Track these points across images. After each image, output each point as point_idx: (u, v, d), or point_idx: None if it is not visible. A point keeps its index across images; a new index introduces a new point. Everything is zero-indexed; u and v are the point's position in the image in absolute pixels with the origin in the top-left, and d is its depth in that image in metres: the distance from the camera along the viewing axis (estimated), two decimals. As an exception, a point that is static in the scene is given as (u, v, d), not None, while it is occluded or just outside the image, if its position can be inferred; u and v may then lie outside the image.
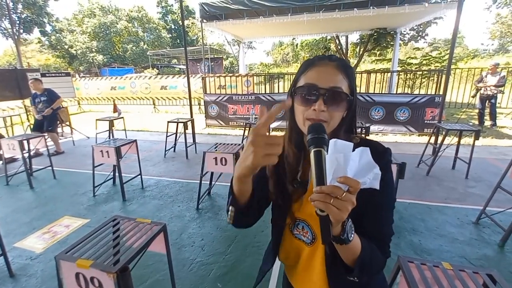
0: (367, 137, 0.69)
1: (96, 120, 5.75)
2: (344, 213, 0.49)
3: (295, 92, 0.69)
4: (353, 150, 0.54)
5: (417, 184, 3.49)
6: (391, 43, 10.08)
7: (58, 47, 27.75)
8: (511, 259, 2.07)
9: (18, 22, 21.93)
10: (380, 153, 0.66)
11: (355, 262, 0.59)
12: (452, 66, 4.94)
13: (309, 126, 0.61)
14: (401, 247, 2.24)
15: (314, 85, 0.65)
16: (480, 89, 6.50)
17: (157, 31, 33.43)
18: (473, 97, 6.95)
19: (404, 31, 12.24)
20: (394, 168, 2.27)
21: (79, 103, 12.06)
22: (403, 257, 1.13)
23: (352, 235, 0.55)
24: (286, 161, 0.75)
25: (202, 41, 11.10)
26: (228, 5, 6.66)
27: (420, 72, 9.51)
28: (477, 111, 6.88)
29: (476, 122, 6.82)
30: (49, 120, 4.99)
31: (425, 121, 5.88)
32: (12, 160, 4.68)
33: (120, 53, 30.99)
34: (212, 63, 16.93)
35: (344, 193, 0.48)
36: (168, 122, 4.91)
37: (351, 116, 0.71)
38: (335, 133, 0.69)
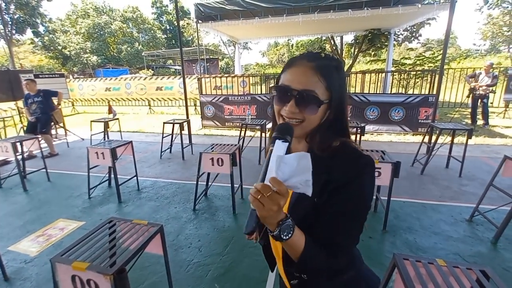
0: (357, 139, 0.74)
1: (91, 121, 5.70)
2: (266, 211, 0.52)
3: (273, 90, 0.70)
4: (326, 160, 0.63)
5: (412, 183, 3.53)
6: (385, 43, 10.18)
7: (52, 48, 27.43)
8: (504, 255, 2.10)
9: (10, 22, 21.65)
10: (352, 160, 0.65)
11: (297, 258, 0.62)
12: (445, 66, 5.02)
13: (278, 124, 0.66)
14: (397, 245, 2.26)
15: (287, 86, 0.65)
16: (473, 88, 6.59)
17: (152, 31, 33.25)
18: (468, 97, 7.04)
19: (398, 31, 12.38)
20: (389, 167, 2.30)
21: (73, 105, 11.93)
22: (398, 254, 1.14)
23: (289, 235, 0.57)
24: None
25: (198, 41, 11.09)
26: (223, 6, 6.67)
27: (414, 72, 9.62)
28: (470, 110, 6.98)
29: (469, 122, 6.92)
30: (43, 121, 4.93)
31: (419, 121, 5.95)
32: (5, 162, 4.61)
33: (115, 54, 30.74)
34: (208, 64, 16.89)
35: (270, 192, 0.50)
36: (164, 123, 4.89)
37: (337, 117, 0.68)
38: (313, 134, 0.69)
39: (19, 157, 3.73)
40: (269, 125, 0.88)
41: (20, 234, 2.60)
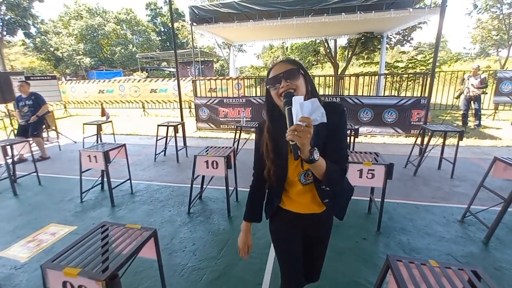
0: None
1: (84, 124, 5.63)
2: (304, 139, 0.80)
3: (267, 84, 1.05)
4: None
5: (405, 184, 3.57)
6: (378, 47, 10.34)
7: (43, 49, 27.04)
8: (495, 255, 2.14)
9: (1, 24, 21.29)
10: (336, 107, 1.02)
11: (323, 176, 0.94)
12: (436, 69, 5.11)
13: (283, 94, 0.96)
14: (391, 246, 2.28)
15: (276, 74, 1.01)
16: (463, 91, 6.74)
17: (146, 33, 33.09)
18: (456, 98, 7.18)
19: (391, 35, 12.57)
20: (382, 169, 2.32)
21: (65, 107, 11.76)
22: (392, 256, 1.15)
23: (317, 157, 0.86)
24: (272, 138, 1.08)
25: (192, 44, 11.06)
26: (218, 9, 6.68)
27: (406, 75, 9.76)
28: (461, 112, 7.11)
29: (460, 123, 7.04)
30: (34, 124, 4.84)
31: (412, 123, 6.03)
32: (-6, 166, 4.51)
33: (108, 55, 30.47)
34: (203, 66, 16.87)
35: (302, 127, 0.79)
36: (158, 125, 4.86)
37: (313, 88, 1.06)
38: (307, 97, 1.01)
39: (9, 160, 3.65)
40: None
41: (10, 239, 2.55)
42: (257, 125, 1.21)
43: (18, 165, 4.29)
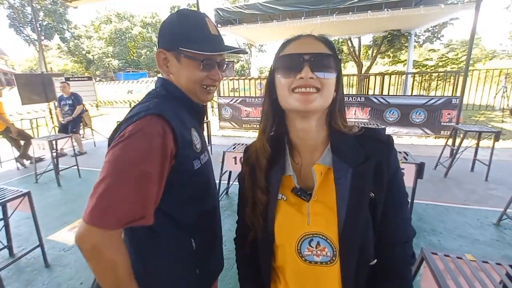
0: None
1: (117, 122, 5.97)
2: None
3: (277, 64, 0.60)
4: (356, 140, 0.59)
5: (435, 186, 3.47)
6: (405, 44, 9.98)
7: (76, 52, 28.87)
8: (535, 260, 2.05)
9: (39, 29, 23.06)
10: (387, 142, 0.60)
11: None
12: (470, 68, 4.87)
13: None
14: (421, 246, 2.24)
15: (297, 53, 0.57)
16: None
17: (170, 36, 34.14)
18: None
19: (419, 32, 12.08)
20: (413, 168, 2.30)
21: (97, 106, 12.52)
22: (426, 249, 1.17)
23: None
24: (257, 172, 0.65)
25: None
26: (242, 10, 6.82)
27: (436, 74, 9.35)
28: (496, 113, 6.71)
29: (495, 124, 6.65)
30: (73, 122, 5.25)
31: (442, 123, 5.79)
32: (40, 159, 4.94)
33: (135, 58, 31.87)
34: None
35: None
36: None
37: (341, 97, 0.63)
38: (331, 110, 0.62)
39: (54, 154, 3.99)
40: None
41: (58, 225, 2.81)
42: (246, 148, 0.74)
43: (59, 159, 4.67)
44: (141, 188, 0.60)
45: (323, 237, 0.57)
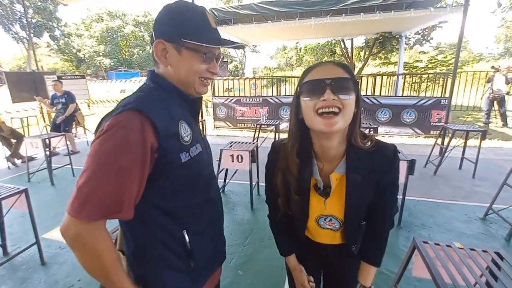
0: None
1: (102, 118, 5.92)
2: None
3: (301, 89, 0.72)
4: (368, 154, 0.77)
5: (425, 183, 3.59)
6: (396, 46, 10.20)
7: (67, 51, 28.33)
8: (518, 251, 2.16)
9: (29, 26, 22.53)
10: (392, 159, 0.78)
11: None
12: (458, 70, 5.03)
13: None
14: (411, 240, 2.33)
15: (319, 78, 0.69)
16: (487, 91, 6.59)
17: (163, 35, 33.84)
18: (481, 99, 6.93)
19: (409, 35, 12.35)
20: (404, 165, 2.39)
21: (88, 106, 12.33)
22: (418, 238, 1.24)
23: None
24: (289, 176, 0.82)
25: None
26: (237, 10, 6.85)
27: (426, 75, 9.59)
28: (482, 113, 6.95)
29: (482, 124, 6.88)
30: (66, 121, 5.18)
31: (432, 123, 5.96)
32: (32, 158, 4.86)
33: (127, 57, 31.48)
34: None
35: None
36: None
37: (359, 113, 0.75)
38: (352, 126, 0.74)
39: (47, 153, 3.94)
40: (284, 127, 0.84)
41: (53, 223, 2.79)
42: (273, 144, 0.91)
43: (52, 158, 4.61)
44: (118, 182, 0.60)
45: (334, 217, 0.85)
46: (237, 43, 0.80)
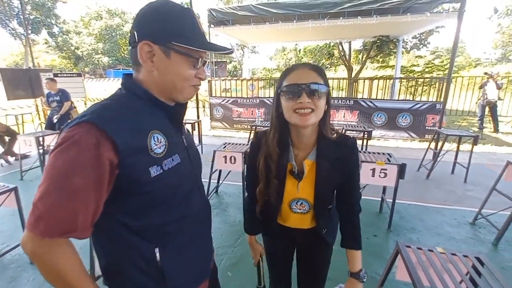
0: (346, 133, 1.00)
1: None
2: None
3: (281, 92, 0.86)
4: (334, 144, 0.91)
5: (417, 186, 3.61)
6: (394, 50, 10.26)
7: (65, 48, 28.18)
8: (504, 256, 2.19)
9: (27, 23, 22.39)
10: (352, 148, 0.93)
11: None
12: (454, 74, 5.09)
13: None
14: (396, 241, 2.35)
15: (296, 83, 0.82)
16: (481, 96, 6.66)
17: (162, 34, 33.78)
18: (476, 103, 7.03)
19: (407, 39, 12.42)
20: (395, 169, 2.41)
21: (85, 104, 12.27)
22: (401, 242, 1.26)
23: (365, 276, 1.01)
24: (270, 161, 0.94)
25: (208, 45, 11.29)
26: (235, 11, 6.86)
27: (422, 80, 9.66)
28: (477, 119, 7.02)
29: (477, 129, 6.94)
30: (61, 119, 5.15)
31: (427, 127, 6.01)
32: (25, 156, 4.83)
33: (125, 55, 31.36)
34: (216, 67, 17.15)
35: None
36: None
37: (329, 111, 0.91)
38: (323, 121, 0.90)
39: (41, 151, 3.93)
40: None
41: (44, 222, 2.77)
42: (256, 134, 1.04)
43: (45, 156, 4.59)
44: (71, 204, 0.56)
45: (305, 200, 0.97)
46: (227, 48, 0.76)
